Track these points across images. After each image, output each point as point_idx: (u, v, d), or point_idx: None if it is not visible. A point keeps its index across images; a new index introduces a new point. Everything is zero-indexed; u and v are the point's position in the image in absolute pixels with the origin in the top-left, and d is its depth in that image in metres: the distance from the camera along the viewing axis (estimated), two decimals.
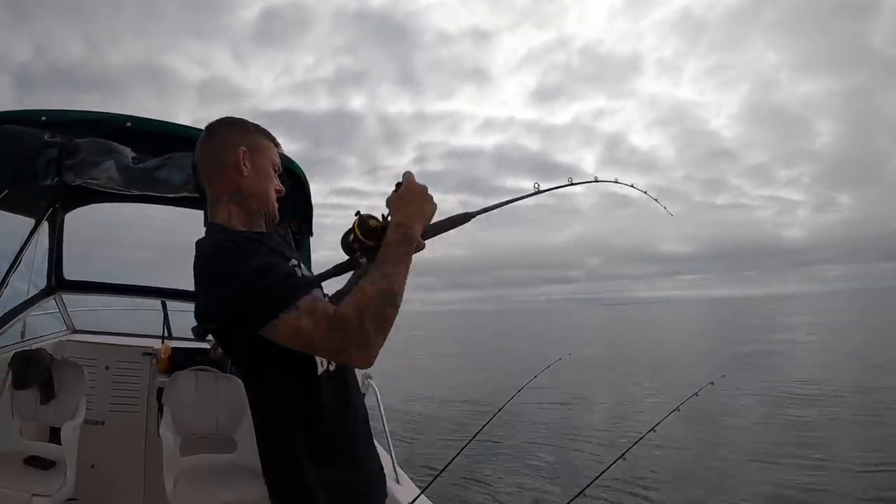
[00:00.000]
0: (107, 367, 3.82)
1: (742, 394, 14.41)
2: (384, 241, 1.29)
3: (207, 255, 1.30)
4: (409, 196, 1.35)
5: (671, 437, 8.95)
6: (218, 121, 1.50)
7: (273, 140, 1.52)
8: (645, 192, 2.03)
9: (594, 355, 26.23)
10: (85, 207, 3.51)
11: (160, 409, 3.41)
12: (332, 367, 1.40)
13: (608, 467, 2.34)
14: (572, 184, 1.73)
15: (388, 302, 1.20)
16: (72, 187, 2.77)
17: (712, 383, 2.79)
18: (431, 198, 1.37)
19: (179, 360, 3.70)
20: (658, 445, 8.02)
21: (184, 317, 4.49)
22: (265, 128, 1.52)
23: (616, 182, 1.90)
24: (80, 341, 4.08)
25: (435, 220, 1.41)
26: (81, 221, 3.64)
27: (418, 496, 2.89)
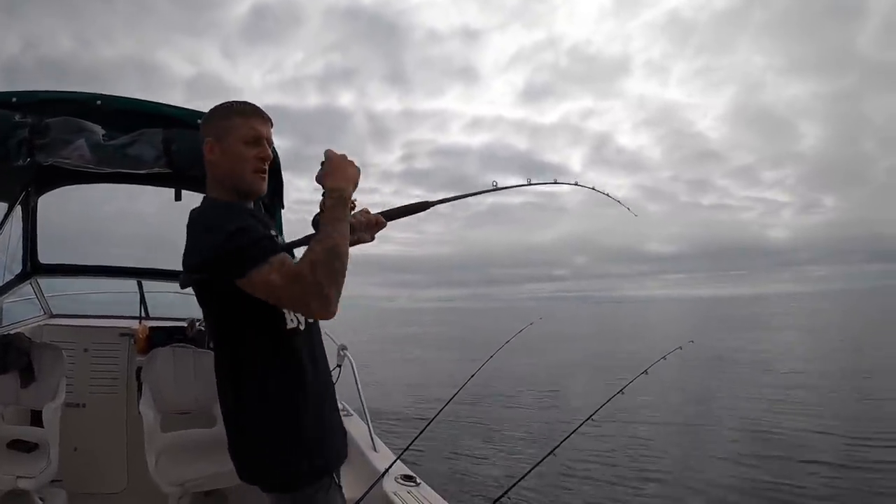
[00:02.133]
0: (85, 350, 3.82)
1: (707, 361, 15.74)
2: (323, 209, 1.47)
3: (198, 213, 1.55)
4: (333, 166, 1.52)
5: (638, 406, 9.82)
6: (204, 114, 1.67)
7: (245, 113, 1.59)
8: (607, 195, 2.15)
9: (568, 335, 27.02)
10: (58, 190, 3.49)
11: (140, 389, 3.44)
12: (301, 326, 1.58)
13: (576, 428, 2.44)
14: (530, 184, 1.85)
15: (334, 256, 1.37)
16: (44, 169, 2.76)
17: (680, 348, 2.90)
18: (352, 162, 1.54)
19: (157, 340, 3.71)
20: (626, 409, 8.72)
21: (160, 297, 4.50)
22: (239, 103, 1.62)
23: (576, 185, 2.01)
24: (57, 325, 4.07)
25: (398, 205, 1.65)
26: (55, 205, 3.62)
27: (394, 462, 2.97)
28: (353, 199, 1.54)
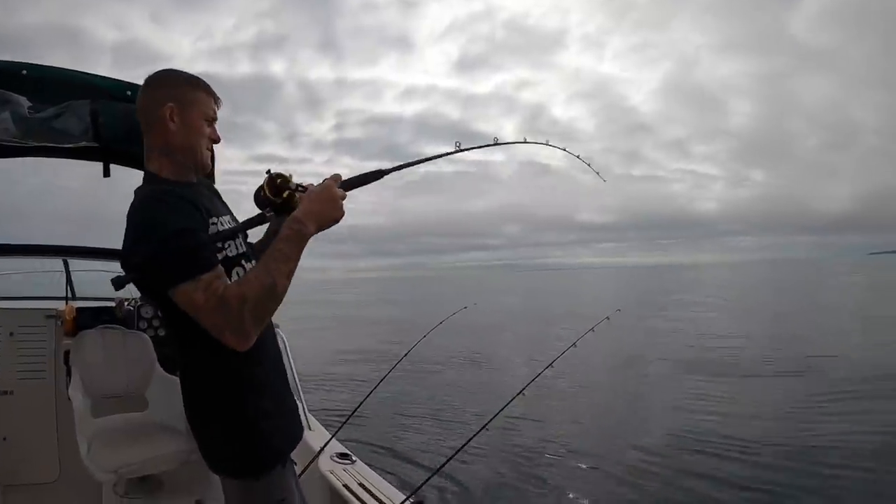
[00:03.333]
0: (11, 334, 3.66)
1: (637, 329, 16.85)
2: (279, 235, 1.38)
3: (140, 205, 1.43)
4: (321, 197, 1.43)
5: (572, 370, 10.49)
6: (153, 75, 1.54)
7: (209, 91, 1.56)
8: (577, 157, 2.05)
9: (501, 308, 28.86)
10: None
11: (68, 373, 3.33)
12: None
13: (506, 404, 2.52)
14: (497, 143, 1.69)
15: (270, 297, 1.31)
16: None
17: (608, 318, 3.01)
18: (341, 206, 1.44)
19: (85, 321, 3.57)
20: (556, 378, 8.56)
21: (87, 276, 4.34)
22: (198, 78, 1.57)
23: (547, 143, 1.90)
24: None
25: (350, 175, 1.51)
26: None
27: (329, 440, 3.01)
28: (291, 181, 1.49)
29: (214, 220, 1.51)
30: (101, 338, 3.29)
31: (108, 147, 2.36)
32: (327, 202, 1.42)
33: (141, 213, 1.40)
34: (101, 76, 2.34)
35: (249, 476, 1.54)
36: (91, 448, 2.85)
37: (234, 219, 1.65)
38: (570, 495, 5.90)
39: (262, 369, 1.57)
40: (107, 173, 2.59)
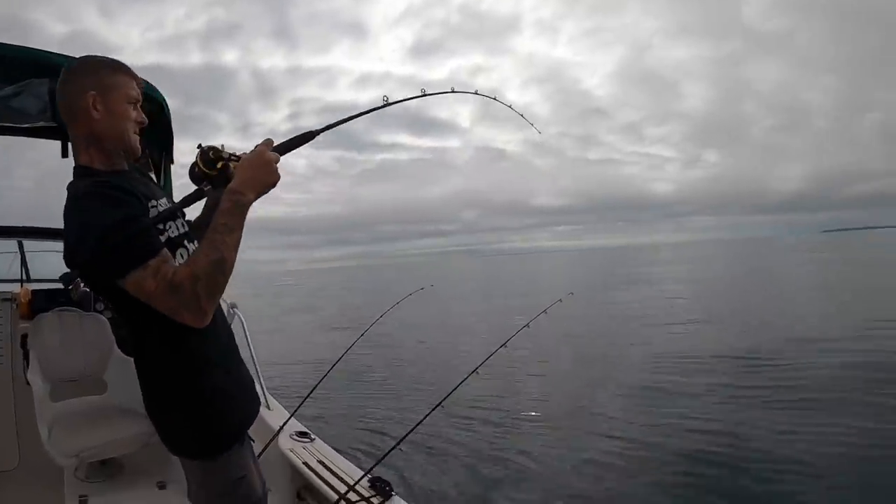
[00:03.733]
0: None
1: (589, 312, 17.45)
2: (219, 208, 1.37)
3: (72, 203, 1.39)
4: (255, 163, 1.42)
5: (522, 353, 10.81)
6: (70, 66, 1.51)
7: (129, 73, 1.52)
8: (509, 106, 2.06)
9: (456, 293, 29.73)
10: None
11: (25, 356, 3.29)
12: None
13: (461, 382, 2.60)
14: (425, 94, 1.72)
15: (219, 271, 1.31)
16: None
17: (560, 300, 3.12)
18: (276, 170, 1.44)
19: (41, 304, 3.54)
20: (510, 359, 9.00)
21: (42, 258, 4.27)
22: (115, 60, 1.52)
23: (476, 94, 1.89)
24: None
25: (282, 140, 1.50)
26: None
27: (288, 419, 3.06)
28: (224, 152, 1.45)
29: (153, 202, 1.51)
30: (58, 321, 3.27)
31: (66, 127, 2.35)
32: (261, 167, 1.41)
33: (78, 211, 1.36)
34: (62, 55, 2.29)
35: (208, 456, 1.57)
36: (52, 433, 2.85)
37: (172, 201, 1.65)
38: (523, 465, 6.21)
39: (215, 348, 1.59)
40: (65, 154, 2.53)
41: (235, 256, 1.35)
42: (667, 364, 10.87)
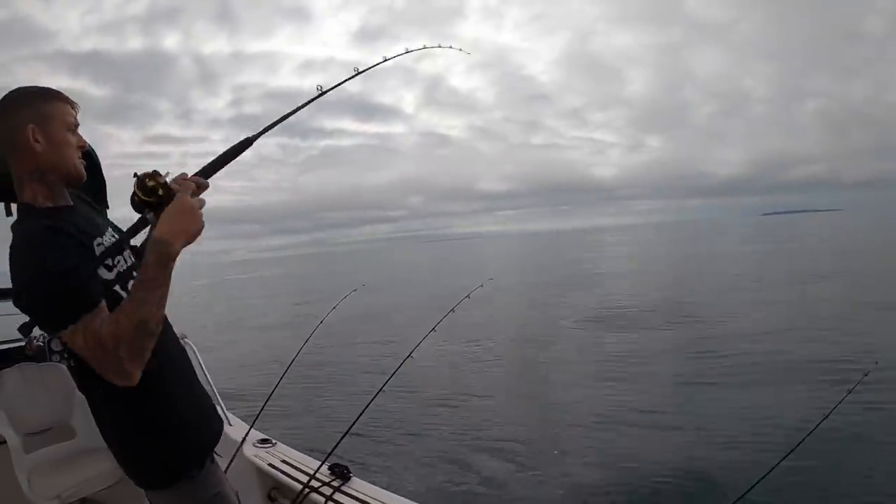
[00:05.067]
0: None
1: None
2: (143, 260, 1.32)
3: (16, 249, 1.34)
4: (177, 210, 1.34)
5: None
6: (2, 100, 1.43)
7: (65, 99, 1.48)
8: (437, 46, 2.14)
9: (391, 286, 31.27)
10: None
11: None
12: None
13: (397, 367, 2.88)
14: (358, 72, 1.67)
15: (143, 334, 1.27)
16: None
17: (482, 286, 3.39)
18: (199, 217, 1.37)
19: None
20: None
21: None
22: (52, 88, 1.49)
23: (406, 52, 1.88)
24: None
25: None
26: None
27: (248, 430, 3.26)
28: (163, 179, 1.37)
29: (98, 240, 1.48)
30: (21, 375, 3.41)
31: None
32: (184, 215, 1.34)
33: (21, 257, 1.33)
34: None
35: (182, 480, 1.57)
36: (31, 481, 2.98)
37: (116, 228, 1.66)
38: (461, 434, 7.14)
39: (173, 380, 1.60)
40: (9, 212, 2.55)
41: (162, 314, 1.32)
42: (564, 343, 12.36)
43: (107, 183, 2.03)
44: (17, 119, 1.40)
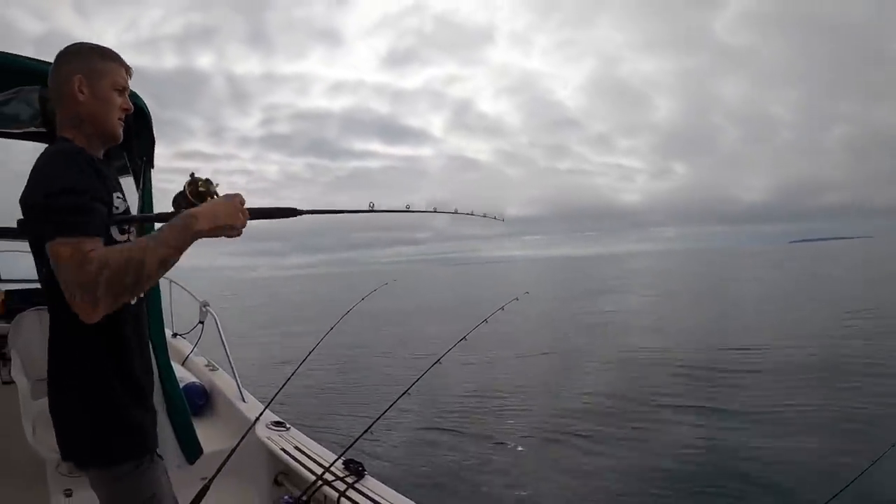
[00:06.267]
0: None
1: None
2: (169, 222, 1.37)
3: (45, 157, 1.41)
4: (222, 201, 1.44)
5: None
6: (62, 50, 1.55)
7: (119, 61, 1.57)
8: (470, 213, 2.31)
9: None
10: None
11: (1, 357, 3.33)
12: (132, 301, 1.57)
13: (427, 369, 2.82)
14: (409, 210, 1.89)
15: (132, 270, 1.25)
16: None
17: (517, 299, 3.34)
18: (240, 216, 1.44)
19: (15, 304, 3.62)
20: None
21: (13, 258, 4.29)
22: (107, 48, 1.57)
23: (455, 213, 2.11)
24: None
25: (266, 205, 1.57)
26: None
27: (263, 410, 3.22)
28: (214, 188, 1.49)
29: (119, 195, 1.53)
30: (38, 319, 3.34)
31: (56, 132, 2.45)
32: (226, 207, 1.42)
33: (46, 163, 1.39)
34: (49, 62, 2.41)
35: (118, 464, 1.55)
36: (36, 429, 2.90)
37: (150, 204, 1.75)
38: (486, 448, 6.85)
39: (128, 361, 1.57)
40: None
41: (157, 269, 1.30)
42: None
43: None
44: (69, 68, 1.50)
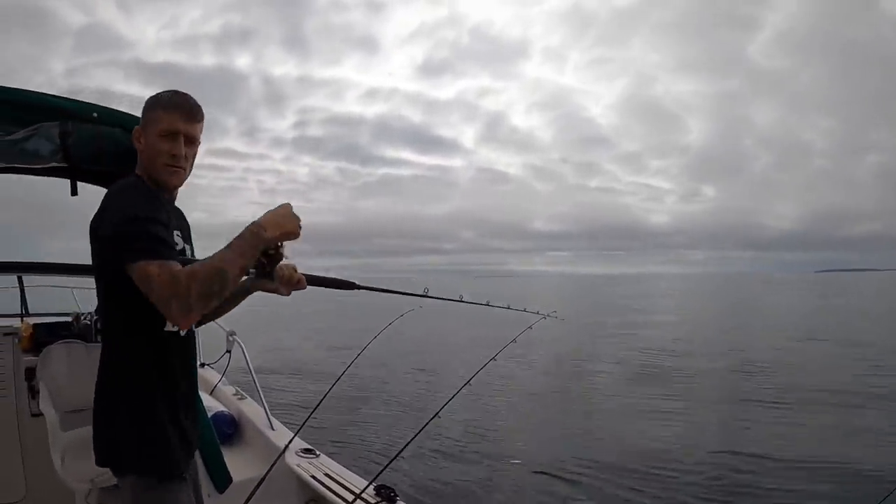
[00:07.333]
0: None
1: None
2: (238, 234, 1.47)
3: (117, 188, 1.57)
4: (281, 211, 1.55)
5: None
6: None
7: (165, 106, 1.63)
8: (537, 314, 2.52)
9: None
10: None
11: (30, 389, 3.35)
12: (180, 331, 1.68)
13: (455, 394, 2.73)
14: (462, 301, 2.14)
15: (217, 278, 1.38)
16: None
17: (545, 317, 3.26)
18: (297, 223, 1.57)
19: (42, 337, 3.62)
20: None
21: (41, 292, 4.33)
22: (170, 95, 1.66)
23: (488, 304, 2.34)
24: None
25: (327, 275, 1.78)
26: None
27: (293, 438, 3.18)
28: (282, 250, 1.60)
29: (177, 233, 1.65)
30: (66, 352, 3.33)
31: (77, 167, 2.46)
32: (286, 216, 1.54)
33: (121, 194, 1.53)
34: (68, 98, 2.40)
35: (150, 475, 1.61)
36: (65, 460, 2.90)
37: (187, 238, 1.80)
38: (518, 469, 6.85)
39: (173, 384, 1.67)
40: (74, 192, 2.62)
41: (236, 276, 1.44)
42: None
43: None
44: (141, 120, 1.67)
